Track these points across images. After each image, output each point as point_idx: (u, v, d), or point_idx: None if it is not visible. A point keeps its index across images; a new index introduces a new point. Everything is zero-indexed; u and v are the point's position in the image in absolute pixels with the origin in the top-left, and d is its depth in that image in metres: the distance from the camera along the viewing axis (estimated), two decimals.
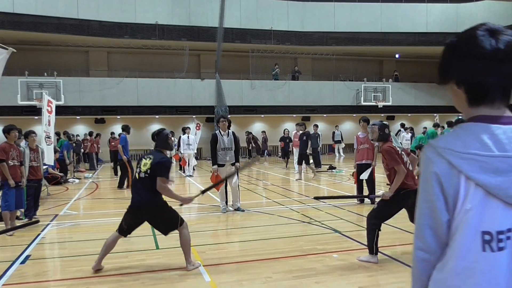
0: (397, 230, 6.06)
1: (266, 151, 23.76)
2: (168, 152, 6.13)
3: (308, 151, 13.39)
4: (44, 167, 10.36)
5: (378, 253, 4.80)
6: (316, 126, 16.23)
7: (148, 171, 4.39)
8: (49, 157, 10.43)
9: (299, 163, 13.34)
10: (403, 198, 4.64)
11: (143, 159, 4.54)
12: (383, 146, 4.83)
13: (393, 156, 4.63)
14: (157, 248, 5.54)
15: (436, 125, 15.01)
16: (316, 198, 7.74)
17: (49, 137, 10.94)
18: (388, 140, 4.90)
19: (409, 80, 27.15)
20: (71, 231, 6.76)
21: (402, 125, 20.01)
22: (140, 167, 4.48)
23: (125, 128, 12.19)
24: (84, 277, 4.46)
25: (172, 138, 16.91)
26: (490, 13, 23.70)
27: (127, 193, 11.56)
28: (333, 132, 23.38)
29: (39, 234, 6.39)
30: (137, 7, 21.76)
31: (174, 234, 6.00)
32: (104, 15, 21.11)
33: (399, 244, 5.44)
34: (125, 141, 11.71)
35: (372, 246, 4.69)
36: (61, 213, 8.16)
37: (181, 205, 4.73)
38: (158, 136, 4.66)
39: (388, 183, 4.99)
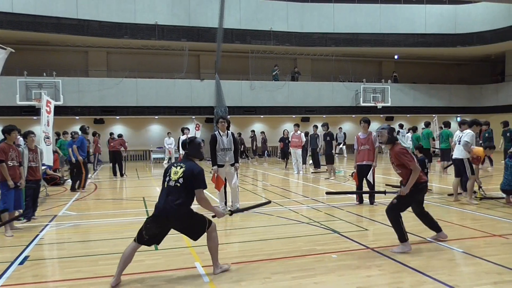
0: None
1: (265, 151, 23.77)
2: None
3: (334, 151, 13.69)
4: (43, 167, 10.35)
5: (379, 255, 4.85)
6: (316, 127, 16.26)
7: (180, 180, 4.26)
8: (48, 158, 10.41)
9: (328, 162, 13.33)
10: (420, 190, 5.26)
11: (173, 167, 4.40)
12: (395, 148, 5.29)
13: (408, 156, 5.18)
14: (156, 249, 5.52)
15: (427, 124, 14.95)
16: (328, 193, 7.83)
17: (48, 138, 10.93)
18: (396, 143, 5.37)
19: (408, 81, 27.20)
20: (70, 232, 6.75)
21: (401, 126, 20.03)
22: (170, 175, 4.34)
23: (82, 129, 12.11)
24: (83, 278, 4.45)
25: (171, 139, 16.94)
26: (488, 15, 23.76)
27: (125, 194, 11.55)
28: (336, 134, 23.25)
29: (37, 235, 6.38)
30: (137, 7, 21.76)
31: (173, 235, 6.00)
32: (103, 15, 21.11)
33: (398, 244, 5.43)
34: (81, 142, 11.61)
35: (403, 234, 5.10)
36: (60, 214, 8.15)
37: (213, 216, 4.56)
38: (190, 145, 4.52)
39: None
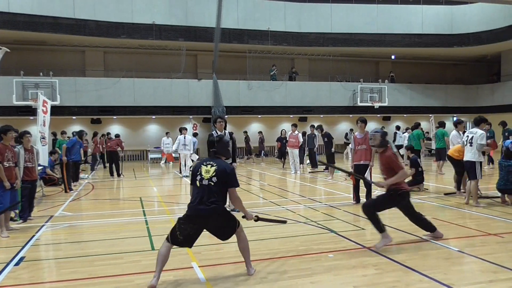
0: (392, 230, 6.06)
1: (263, 151, 23.76)
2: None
3: (333, 150, 13.82)
4: (39, 167, 10.32)
5: (376, 254, 4.89)
6: (313, 126, 16.28)
7: (214, 179, 4.18)
8: (44, 158, 10.38)
9: (329, 162, 13.39)
10: (400, 197, 5.39)
11: (203, 165, 4.29)
12: (386, 153, 5.44)
13: (396, 163, 5.34)
14: (153, 249, 5.52)
15: (417, 125, 14.94)
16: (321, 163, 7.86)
17: (44, 138, 10.89)
18: (387, 147, 5.51)
19: (405, 81, 27.26)
20: (67, 233, 6.73)
21: (398, 128, 20.09)
22: (201, 175, 4.23)
23: (79, 133, 12.28)
24: (80, 278, 4.44)
25: (169, 139, 16.90)
26: (483, 16, 23.86)
27: (122, 194, 11.53)
28: (346, 134, 23.00)
29: (33, 236, 6.36)
30: (134, 7, 21.72)
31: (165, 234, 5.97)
32: (100, 14, 21.06)
33: (395, 243, 5.45)
34: (72, 144, 11.71)
35: (380, 226, 5.25)
36: (57, 214, 8.13)
37: (243, 217, 4.52)
38: (219, 143, 4.45)
39: None
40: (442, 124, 13.72)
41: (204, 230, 4.31)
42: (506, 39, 23.18)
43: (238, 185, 4.32)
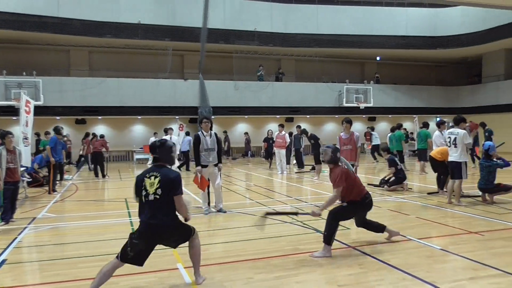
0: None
1: (249, 152, 23.79)
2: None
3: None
4: (22, 169, 10.17)
5: (360, 253, 4.97)
6: (299, 127, 16.37)
7: (159, 192, 3.91)
8: (27, 159, 10.23)
9: (317, 163, 13.45)
10: (366, 205, 5.40)
11: (146, 178, 3.99)
12: (335, 169, 5.28)
13: (339, 178, 5.14)
14: None
15: (399, 126, 15.14)
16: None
17: (26, 138, 10.72)
18: (337, 164, 5.35)
19: (390, 82, 27.62)
20: (50, 234, 6.64)
21: (372, 129, 20.23)
22: (146, 190, 3.95)
23: (55, 129, 11.85)
24: (63, 281, 4.39)
25: (157, 139, 16.93)
26: (466, 18, 24.39)
27: (107, 195, 11.42)
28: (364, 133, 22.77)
29: (15, 238, 6.26)
30: (120, 6, 21.54)
31: None
32: (85, 13, 20.83)
33: (380, 242, 5.53)
34: (55, 142, 11.34)
35: (331, 238, 5.09)
36: (40, 216, 8.01)
37: (185, 220, 4.21)
38: (161, 148, 4.13)
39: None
40: (425, 125, 13.93)
41: (198, 230, 4.16)
42: (486, 41, 23.72)
43: (181, 193, 4.04)
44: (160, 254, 5.23)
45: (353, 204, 5.26)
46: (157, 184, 3.93)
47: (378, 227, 5.56)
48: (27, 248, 5.92)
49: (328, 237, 5.05)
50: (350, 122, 8.82)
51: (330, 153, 5.32)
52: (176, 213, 4.06)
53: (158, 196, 3.92)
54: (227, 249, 5.49)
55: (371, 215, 7.18)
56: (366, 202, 5.33)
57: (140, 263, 4.02)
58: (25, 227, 6.97)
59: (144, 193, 3.97)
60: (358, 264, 4.70)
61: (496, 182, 8.35)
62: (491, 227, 6.26)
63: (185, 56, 25.10)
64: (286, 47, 24.54)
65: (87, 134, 18.14)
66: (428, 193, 9.60)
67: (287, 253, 5.15)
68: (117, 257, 3.98)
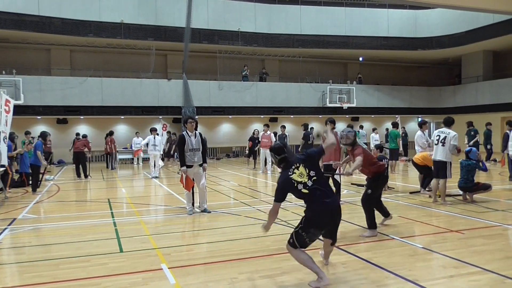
0: (360, 229, 6.22)
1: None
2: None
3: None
4: (2, 169, 9.96)
5: (344, 252, 5.06)
6: (284, 127, 16.44)
7: (313, 173, 4.09)
8: (5, 157, 10.05)
9: None
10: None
11: (291, 174, 4.09)
12: (355, 149, 5.94)
13: (361, 152, 5.92)
14: (121, 251, 5.43)
15: (395, 125, 15.41)
16: None
17: (6, 138, 10.52)
18: (357, 144, 6.05)
19: (372, 82, 27.96)
20: (30, 236, 6.51)
21: (361, 127, 20.53)
22: (300, 181, 4.06)
23: (43, 136, 12.01)
24: (44, 283, 4.31)
25: (140, 138, 16.67)
26: (444, 20, 24.91)
27: (89, 195, 11.25)
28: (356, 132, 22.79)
29: None
30: (102, 5, 21.23)
31: (140, 236, 5.93)
32: (66, 12, 20.47)
33: (363, 242, 5.59)
34: (40, 147, 11.52)
35: (374, 222, 5.96)
36: (20, 217, 7.84)
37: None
38: (287, 148, 4.35)
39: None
40: (395, 125, 14.16)
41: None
42: (465, 43, 24.24)
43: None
44: (144, 255, 5.19)
45: (377, 178, 6.08)
46: (306, 170, 4.08)
47: (386, 212, 6.37)
48: (7, 249, 5.79)
49: (370, 222, 5.90)
50: (333, 122, 8.88)
51: (352, 137, 5.98)
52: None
53: (315, 178, 4.06)
54: (212, 249, 5.47)
55: (356, 213, 7.28)
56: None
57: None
58: (5, 228, 6.82)
59: (300, 187, 4.04)
60: (341, 263, 4.74)
61: (475, 181, 8.55)
62: (471, 226, 6.40)
63: (169, 55, 24.91)
64: (269, 47, 24.59)
65: (77, 135, 17.80)
66: (410, 193, 9.76)
67: (272, 253, 5.16)
68: (296, 247, 4.08)
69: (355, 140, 6.05)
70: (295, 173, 4.09)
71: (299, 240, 4.06)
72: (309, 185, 4.02)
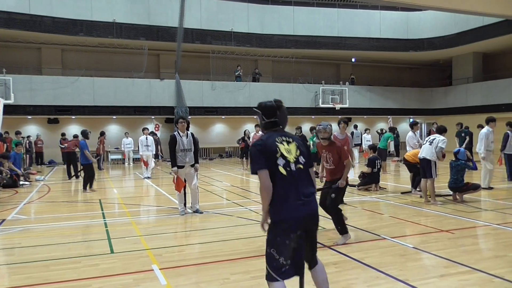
0: (351, 228, 6.25)
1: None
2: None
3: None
4: None
5: (336, 252, 5.08)
6: None
7: (301, 160, 3.04)
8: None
9: None
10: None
11: (277, 143, 2.99)
12: (332, 145, 5.84)
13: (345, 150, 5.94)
14: (112, 252, 5.40)
15: (391, 129, 15.78)
16: None
17: None
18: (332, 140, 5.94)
19: (365, 83, 28.10)
20: (20, 237, 6.45)
21: (355, 127, 20.71)
22: (283, 156, 2.97)
23: (84, 134, 12.00)
24: (34, 284, 4.28)
25: (129, 139, 16.69)
26: (436, 21, 25.14)
27: (80, 196, 11.15)
28: (352, 132, 21.72)
29: None
30: (94, 4, 21.08)
31: (131, 237, 5.91)
32: (58, 11, 20.29)
33: (355, 242, 5.62)
34: (86, 146, 11.65)
35: (345, 226, 5.65)
36: (9, 218, 7.77)
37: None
38: (281, 110, 3.23)
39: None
40: (391, 130, 14.82)
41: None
42: (456, 45, 24.50)
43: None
44: (135, 256, 5.17)
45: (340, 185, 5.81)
46: (297, 151, 3.05)
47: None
48: None
49: (340, 227, 5.60)
50: (347, 123, 8.84)
51: (330, 131, 5.80)
52: None
53: (302, 166, 3.02)
54: (204, 249, 5.46)
55: (348, 214, 7.29)
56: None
57: (300, 273, 3.06)
58: None
59: (282, 162, 2.95)
60: (333, 263, 4.76)
61: (465, 181, 8.65)
62: (461, 225, 6.47)
63: (161, 55, 24.82)
64: (262, 48, 24.60)
65: (75, 136, 17.72)
66: (402, 193, 9.83)
67: (263, 254, 5.14)
68: (278, 279, 3.03)
69: (331, 135, 5.95)
70: (283, 144, 3.03)
71: (272, 264, 2.96)
72: (292, 168, 2.96)
